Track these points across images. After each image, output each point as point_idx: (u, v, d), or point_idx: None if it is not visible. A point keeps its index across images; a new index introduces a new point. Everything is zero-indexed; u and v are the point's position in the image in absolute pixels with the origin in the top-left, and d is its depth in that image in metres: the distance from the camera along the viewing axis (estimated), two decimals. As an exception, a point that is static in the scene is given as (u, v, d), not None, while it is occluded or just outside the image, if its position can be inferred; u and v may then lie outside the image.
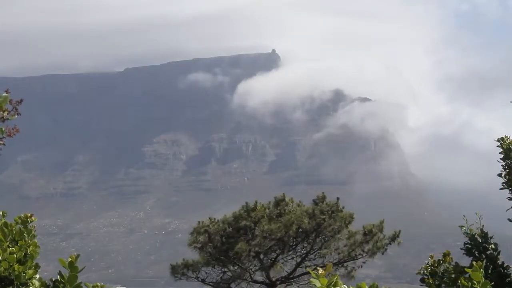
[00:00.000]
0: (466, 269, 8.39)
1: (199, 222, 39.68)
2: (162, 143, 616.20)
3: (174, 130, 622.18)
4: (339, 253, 39.12)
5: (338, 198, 39.62)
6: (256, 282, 39.71)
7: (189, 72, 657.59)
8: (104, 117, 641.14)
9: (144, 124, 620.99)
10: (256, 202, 39.23)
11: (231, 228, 38.65)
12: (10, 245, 8.51)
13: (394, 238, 39.17)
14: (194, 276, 39.86)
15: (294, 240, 39.09)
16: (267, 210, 38.72)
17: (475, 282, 8.01)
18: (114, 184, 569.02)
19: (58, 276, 8.04)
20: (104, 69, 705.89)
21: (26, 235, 8.63)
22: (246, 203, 39.43)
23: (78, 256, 7.96)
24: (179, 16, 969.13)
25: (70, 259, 7.93)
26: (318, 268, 6.60)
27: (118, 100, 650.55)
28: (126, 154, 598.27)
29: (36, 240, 8.72)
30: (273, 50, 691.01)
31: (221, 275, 39.70)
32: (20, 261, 8.42)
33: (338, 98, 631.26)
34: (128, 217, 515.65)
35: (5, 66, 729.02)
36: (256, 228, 38.22)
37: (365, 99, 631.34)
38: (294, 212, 38.60)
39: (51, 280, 8.15)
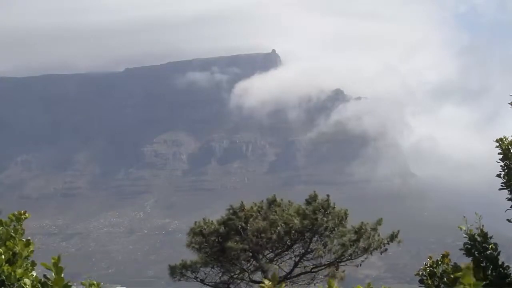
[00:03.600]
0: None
1: (195, 222, 39.81)
2: (162, 143, 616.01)
3: (174, 130, 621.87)
4: (333, 253, 39.10)
5: (328, 196, 39.39)
6: (254, 282, 39.74)
7: (189, 72, 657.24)
8: (104, 117, 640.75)
9: (144, 124, 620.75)
10: (242, 202, 39.30)
11: (225, 228, 38.76)
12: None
13: (392, 238, 39.09)
14: (193, 277, 39.88)
15: (290, 240, 39.10)
16: (254, 208, 38.79)
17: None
18: (114, 184, 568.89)
19: (44, 279, 8.00)
20: (104, 69, 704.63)
21: (14, 234, 8.60)
22: (231, 205, 39.54)
23: (59, 256, 7.83)
24: (179, 16, 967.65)
25: (53, 260, 7.80)
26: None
27: (118, 100, 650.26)
28: (126, 154, 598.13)
29: (25, 239, 8.64)
30: (273, 50, 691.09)
31: (219, 275, 39.75)
32: (9, 261, 8.39)
33: (337, 98, 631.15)
34: (128, 217, 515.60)
35: (5, 66, 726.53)
36: (248, 227, 38.28)
37: (365, 99, 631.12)
38: (285, 211, 38.63)
39: (39, 282, 8.14)
